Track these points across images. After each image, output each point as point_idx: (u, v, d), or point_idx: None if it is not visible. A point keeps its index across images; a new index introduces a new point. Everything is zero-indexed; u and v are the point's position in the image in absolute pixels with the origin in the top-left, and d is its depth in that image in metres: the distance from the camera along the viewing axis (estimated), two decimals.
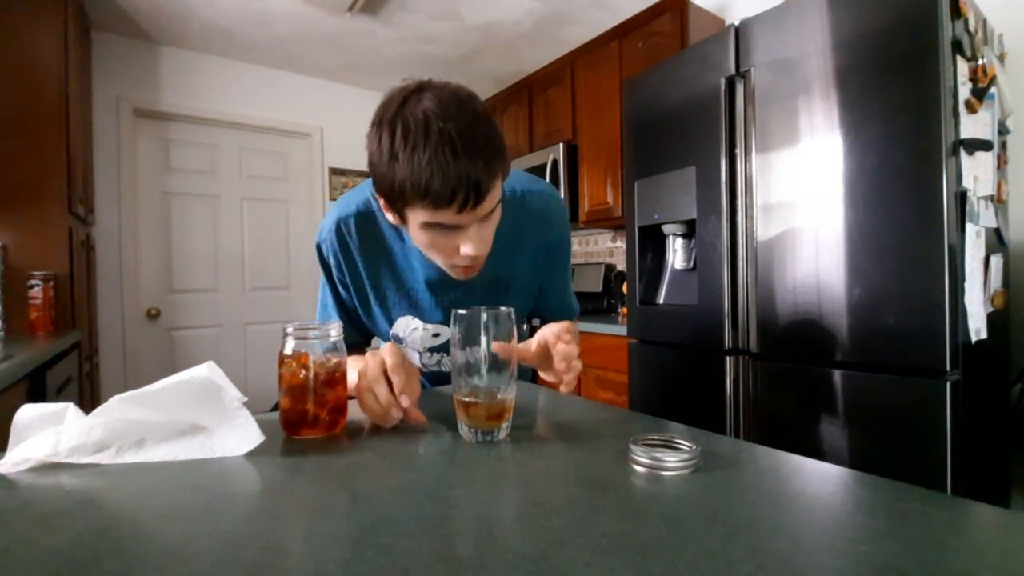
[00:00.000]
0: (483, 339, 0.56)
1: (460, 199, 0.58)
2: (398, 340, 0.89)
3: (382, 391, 0.58)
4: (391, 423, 0.60)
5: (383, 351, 0.61)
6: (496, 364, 0.57)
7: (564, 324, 0.66)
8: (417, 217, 0.62)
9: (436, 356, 0.90)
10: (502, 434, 0.57)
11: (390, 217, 0.69)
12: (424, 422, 0.62)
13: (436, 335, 0.87)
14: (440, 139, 0.56)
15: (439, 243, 0.65)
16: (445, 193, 0.57)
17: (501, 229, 0.77)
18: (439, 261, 0.70)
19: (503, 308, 0.58)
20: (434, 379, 0.96)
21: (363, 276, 0.84)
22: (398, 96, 0.60)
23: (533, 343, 0.66)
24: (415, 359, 0.91)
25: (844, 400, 1.27)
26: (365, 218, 0.81)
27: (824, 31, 1.28)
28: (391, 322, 0.87)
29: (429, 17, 2.61)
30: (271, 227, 3.30)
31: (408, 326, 0.87)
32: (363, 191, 0.82)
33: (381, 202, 0.67)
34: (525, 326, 1.10)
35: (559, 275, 0.93)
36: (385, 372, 0.59)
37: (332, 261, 0.84)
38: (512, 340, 0.58)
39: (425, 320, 0.86)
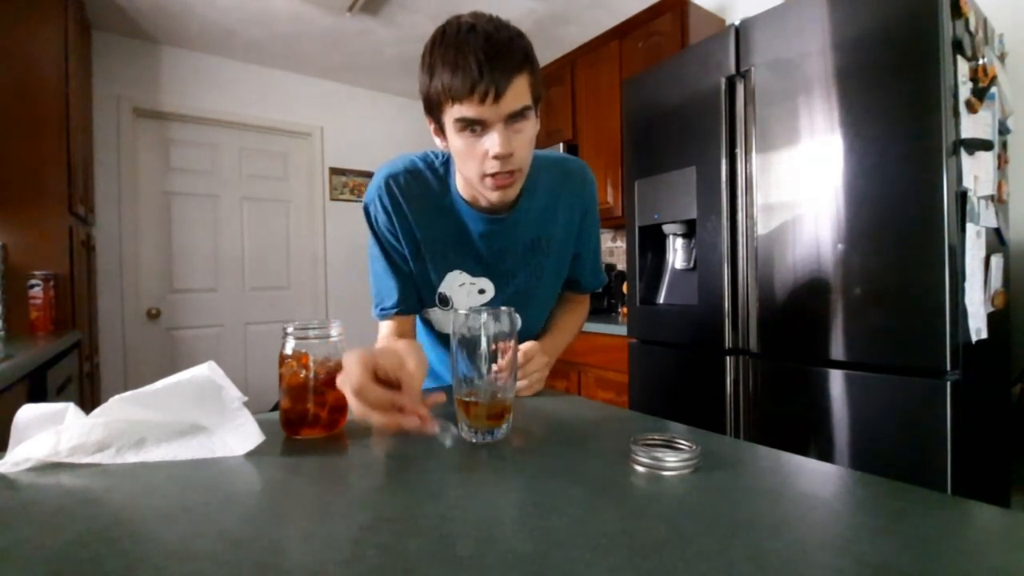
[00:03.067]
0: (483, 339, 0.56)
1: (481, 91, 0.63)
2: (444, 300, 0.89)
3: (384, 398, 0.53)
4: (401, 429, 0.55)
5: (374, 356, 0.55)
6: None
7: (536, 346, 0.77)
8: (450, 118, 0.68)
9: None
10: (502, 434, 0.57)
11: (438, 142, 0.76)
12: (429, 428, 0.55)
13: (482, 291, 0.89)
14: (467, 38, 0.64)
15: (471, 148, 0.69)
16: (467, 85, 0.63)
17: (538, 191, 0.83)
18: (474, 174, 0.72)
19: (503, 308, 0.58)
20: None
21: (414, 230, 0.84)
22: (438, 28, 0.69)
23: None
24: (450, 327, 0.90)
25: (844, 400, 1.27)
26: (413, 174, 0.83)
27: (824, 31, 1.28)
28: (441, 277, 0.88)
29: (429, 17, 2.61)
30: (271, 227, 3.30)
31: (455, 281, 0.88)
32: (407, 156, 0.85)
33: (431, 127, 0.74)
34: None
35: (594, 240, 0.98)
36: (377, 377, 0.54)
37: (383, 218, 0.84)
38: (513, 339, 0.58)
39: (473, 274, 0.88)
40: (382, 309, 0.89)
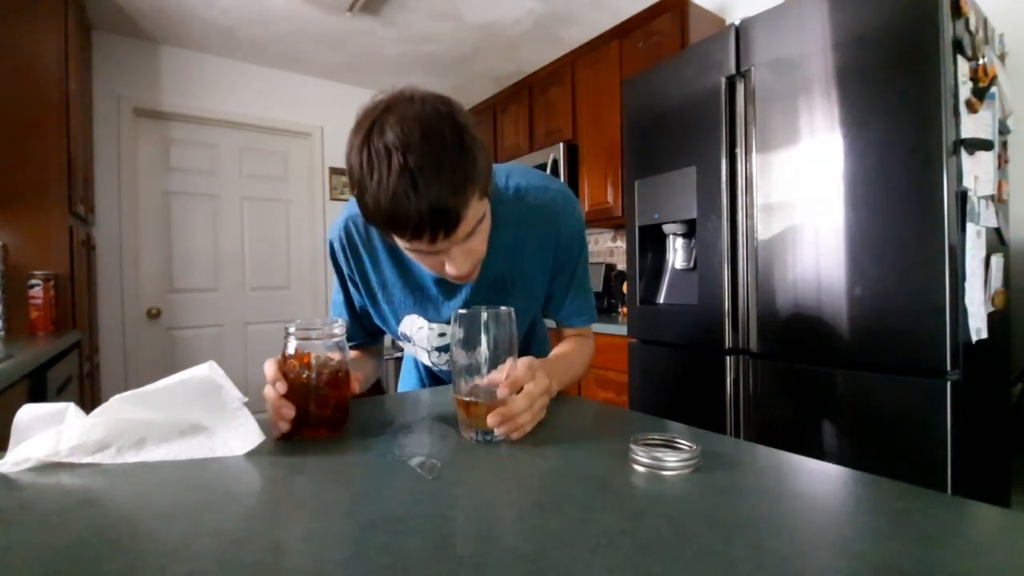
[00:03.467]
0: (483, 339, 0.56)
1: (429, 233, 0.56)
2: (406, 339, 0.89)
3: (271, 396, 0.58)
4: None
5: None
6: (496, 364, 0.57)
7: (538, 363, 0.62)
8: (399, 240, 0.62)
9: (444, 356, 0.90)
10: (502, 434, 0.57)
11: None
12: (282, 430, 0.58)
13: (442, 335, 0.88)
14: (400, 174, 0.53)
15: (426, 261, 0.66)
16: (412, 228, 0.56)
17: (502, 225, 0.77)
18: (433, 272, 0.71)
19: (503, 308, 0.58)
20: (446, 379, 0.97)
21: (370, 274, 0.84)
22: (366, 120, 0.57)
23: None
24: (424, 357, 0.92)
25: (844, 400, 1.27)
26: None
27: (824, 31, 1.28)
28: (399, 320, 0.88)
29: (429, 17, 2.61)
30: (271, 227, 3.30)
31: (414, 324, 0.87)
32: None
33: None
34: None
35: (566, 276, 0.87)
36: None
37: (342, 258, 0.85)
38: (512, 340, 0.58)
39: (430, 319, 0.86)
40: None
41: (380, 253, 0.83)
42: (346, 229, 0.82)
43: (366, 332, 0.92)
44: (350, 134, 0.58)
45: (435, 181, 0.54)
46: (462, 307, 0.73)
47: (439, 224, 0.56)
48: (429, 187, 0.54)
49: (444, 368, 0.93)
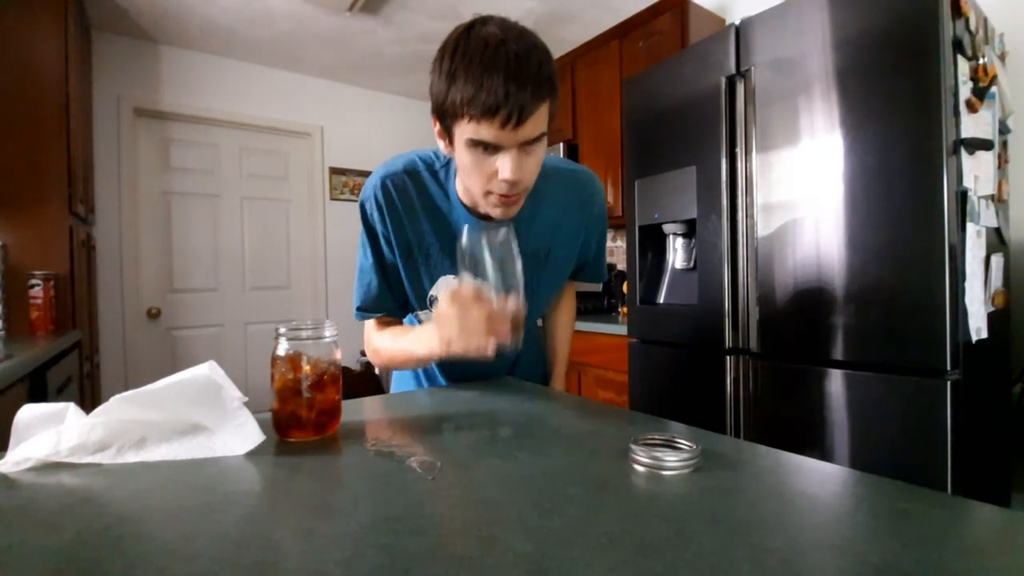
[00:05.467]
0: (487, 259, 0.57)
1: (503, 115, 0.61)
2: (435, 302, 0.88)
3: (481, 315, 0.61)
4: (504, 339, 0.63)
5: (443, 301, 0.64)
6: (504, 283, 0.58)
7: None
8: (463, 133, 0.65)
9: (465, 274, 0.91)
10: (516, 345, 0.59)
11: (441, 146, 0.73)
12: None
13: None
14: (496, 57, 0.61)
15: (480, 164, 0.68)
16: (490, 106, 0.61)
17: (543, 201, 0.82)
18: (478, 189, 0.71)
19: (502, 228, 0.60)
20: (444, 379, 0.96)
21: (408, 233, 0.83)
22: (464, 26, 0.65)
23: None
24: None
25: (844, 400, 1.27)
26: (411, 176, 0.82)
27: (824, 30, 1.28)
28: (432, 281, 0.86)
29: (429, 17, 2.61)
30: (271, 227, 3.30)
31: (448, 286, 0.87)
32: (408, 155, 0.84)
33: (436, 128, 0.72)
34: (540, 322, 1.11)
35: (593, 246, 0.99)
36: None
37: (376, 217, 0.83)
38: (515, 261, 0.61)
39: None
40: (364, 309, 0.88)
41: (419, 211, 0.82)
42: (383, 187, 0.81)
43: (395, 301, 0.90)
44: (441, 46, 0.66)
45: (524, 72, 0.61)
46: None
47: (514, 109, 0.61)
48: (519, 73, 0.61)
49: None
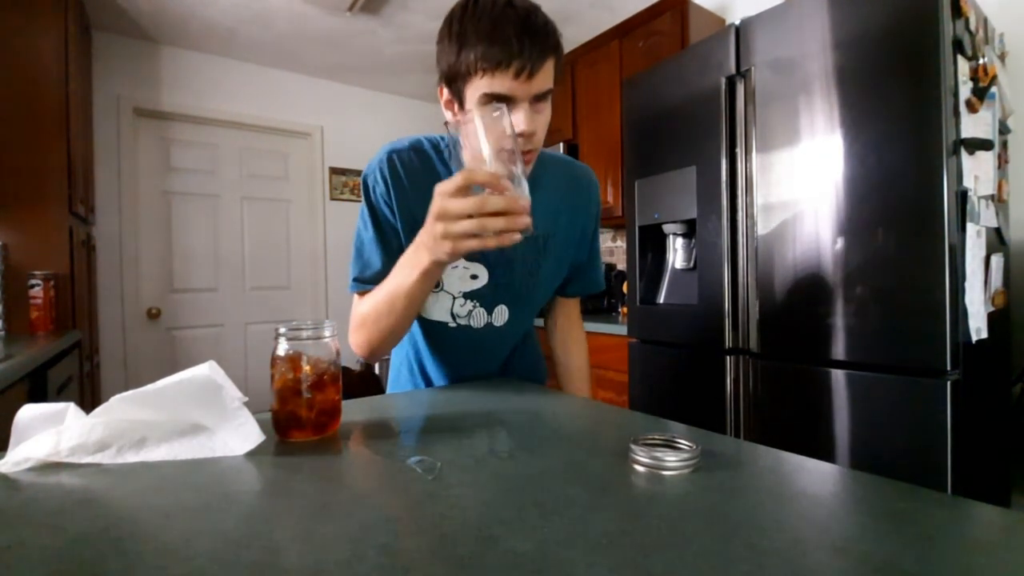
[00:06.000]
0: (483, 144, 0.58)
1: (517, 65, 0.64)
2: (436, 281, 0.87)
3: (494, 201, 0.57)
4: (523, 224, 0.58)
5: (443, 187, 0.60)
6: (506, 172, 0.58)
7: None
8: (476, 90, 0.67)
9: (469, 305, 0.88)
10: (529, 230, 0.58)
11: (448, 116, 0.74)
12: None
13: (474, 276, 0.86)
14: (504, 14, 0.64)
15: (494, 128, 0.66)
16: (504, 57, 0.64)
17: (545, 188, 0.82)
18: (489, 151, 0.68)
19: (495, 111, 0.60)
20: (462, 338, 0.91)
21: (412, 206, 0.82)
22: None
23: None
24: (447, 306, 0.87)
25: (844, 400, 1.27)
26: (417, 152, 0.83)
27: (824, 30, 1.28)
28: None
29: (429, 17, 2.61)
30: (271, 227, 3.30)
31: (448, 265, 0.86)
32: (413, 136, 0.85)
33: (443, 97, 0.73)
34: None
35: (596, 250, 1.01)
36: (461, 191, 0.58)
37: (381, 189, 0.82)
38: (510, 141, 0.59)
39: (467, 258, 0.85)
40: (361, 280, 0.83)
41: (425, 187, 0.78)
42: (388, 160, 0.81)
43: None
44: (447, 15, 0.70)
45: (533, 26, 0.65)
46: (501, 254, 0.83)
47: (527, 60, 0.64)
48: (529, 27, 0.64)
49: (464, 323, 0.89)
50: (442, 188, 0.60)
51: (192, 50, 2.96)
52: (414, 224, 0.81)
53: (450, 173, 0.82)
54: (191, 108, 2.97)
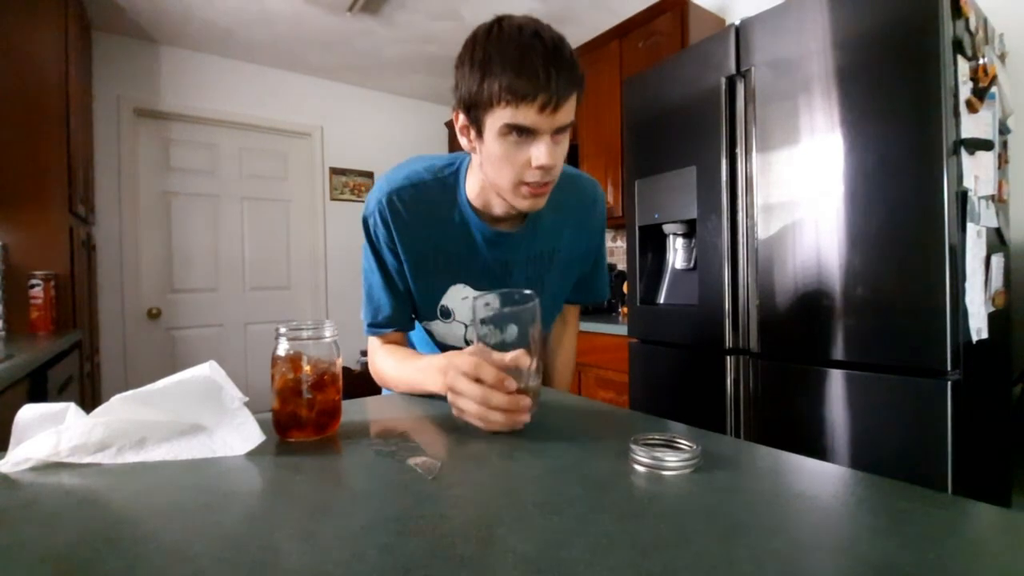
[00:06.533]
0: (510, 327, 0.57)
1: (543, 99, 0.62)
2: (446, 313, 0.87)
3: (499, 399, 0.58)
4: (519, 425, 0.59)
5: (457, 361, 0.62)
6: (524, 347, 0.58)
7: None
8: (498, 120, 0.65)
9: (484, 329, 0.90)
10: (529, 418, 0.58)
11: (464, 143, 0.73)
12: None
13: (486, 304, 0.88)
14: (532, 44, 0.62)
15: (513, 153, 0.67)
16: (530, 89, 0.62)
17: (554, 203, 0.81)
18: (508, 181, 0.70)
19: (526, 292, 0.60)
20: None
21: (417, 243, 0.82)
22: (489, 22, 0.66)
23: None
24: (460, 334, 0.90)
25: (844, 400, 1.27)
26: (416, 188, 0.81)
27: (824, 31, 1.28)
28: (443, 291, 0.86)
29: (429, 17, 2.61)
30: (271, 227, 3.30)
31: (459, 295, 0.86)
32: (409, 165, 0.84)
33: (459, 122, 0.71)
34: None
35: (601, 261, 1.01)
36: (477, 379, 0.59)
37: (382, 232, 0.82)
38: (535, 326, 0.59)
39: (476, 288, 0.86)
40: (375, 326, 0.87)
41: (427, 221, 0.82)
42: (388, 200, 0.80)
43: (405, 315, 0.89)
44: (466, 45, 0.68)
45: (560, 58, 0.63)
46: (510, 279, 0.83)
47: (553, 93, 0.62)
48: (556, 59, 0.62)
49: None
50: (458, 362, 0.61)
51: (192, 50, 2.96)
52: (418, 259, 0.83)
53: (452, 198, 0.82)
54: (191, 108, 2.97)
